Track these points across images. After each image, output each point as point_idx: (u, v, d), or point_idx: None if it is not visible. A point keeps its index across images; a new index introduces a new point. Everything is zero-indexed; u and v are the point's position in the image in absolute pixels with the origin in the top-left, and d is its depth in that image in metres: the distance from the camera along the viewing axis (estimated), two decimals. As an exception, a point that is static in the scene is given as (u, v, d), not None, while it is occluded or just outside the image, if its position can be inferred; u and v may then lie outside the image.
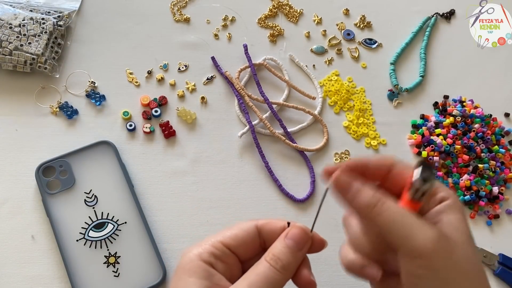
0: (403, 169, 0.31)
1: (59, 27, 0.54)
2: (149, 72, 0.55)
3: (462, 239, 0.29)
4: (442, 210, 0.30)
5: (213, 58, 0.57)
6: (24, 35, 0.52)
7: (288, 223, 0.32)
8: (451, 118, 0.55)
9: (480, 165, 0.53)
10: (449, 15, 0.65)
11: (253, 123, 0.53)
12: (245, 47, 0.57)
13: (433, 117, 0.57)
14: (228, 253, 0.31)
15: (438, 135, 0.55)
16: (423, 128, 0.55)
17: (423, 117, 0.57)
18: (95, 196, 0.47)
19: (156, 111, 0.53)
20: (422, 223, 0.28)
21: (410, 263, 0.28)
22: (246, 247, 0.31)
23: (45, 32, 0.52)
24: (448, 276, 0.28)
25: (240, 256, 0.32)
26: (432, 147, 0.54)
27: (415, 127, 0.57)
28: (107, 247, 0.45)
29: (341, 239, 0.34)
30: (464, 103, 0.58)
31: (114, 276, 0.44)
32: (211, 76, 0.56)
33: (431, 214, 0.30)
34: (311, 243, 0.32)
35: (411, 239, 0.28)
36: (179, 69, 0.56)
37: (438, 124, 0.56)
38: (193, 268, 0.29)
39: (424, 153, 0.54)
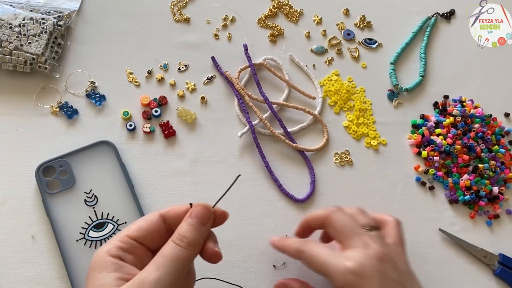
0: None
1: (59, 27, 0.54)
2: (149, 72, 0.55)
3: (373, 271, 0.36)
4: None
5: (213, 58, 0.57)
6: (24, 35, 0.52)
7: (191, 204, 0.34)
8: (451, 118, 0.55)
9: (480, 165, 0.53)
10: (449, 15, 0.65)
11: (253, 123, 0.53)
12: (245, 47, 0.57)
13: (433, 117, 0.57)
14: (135, 244, 0.33)
15: (438, 135, 0.55)
16: (423, 128, 0.55)
17: (423, 117, 0.57)
18: (95, 196, 0.47)
19: (156, 111, 0.53)
20: (335, 257, 0.37)
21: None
22: (153, 236, 0.33)
23: (45, 32, 0.52)
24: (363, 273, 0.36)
25: (148, 245, 0.33)
26: (432, 147, 0.54)
27: (415, 127, 0.57)
28: (107, 247, 0.45)
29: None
30: (464, 103, 0.58)
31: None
32: (211, 76, 0.56)
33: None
34: (214, 217, 0.35)
35: (327, 272, 0.37)
36: (179, 69, 0.56)
37: (438, 124, 0.56)
38: (102, 264, 0.31)
39: (424, 153, 0.54)
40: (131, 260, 0.32)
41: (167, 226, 0.34)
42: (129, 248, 0.32)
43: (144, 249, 0.33)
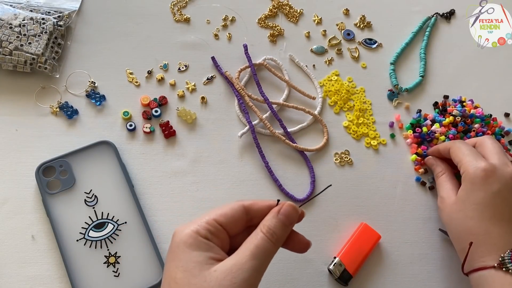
0: None
1: (59, 27, 0.54)
2: (149, 72, 0.55)
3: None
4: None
5: (213, 58, 0.57)
6: (24, 35, 0.52)
7: (278, 201, 0.37)
8: (451, 118, 0.55)
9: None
10: (449, 15, 0.65)
11: (253, 123, 0.53)
12: (245, 47, 0.57)
13: (430, 115, 0.57)
14: (220, 229, 0.35)
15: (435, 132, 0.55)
16: (424, 127, 0.55)
17: (419, 111, 0.57)
18: (95, 196, 0.47)
19: (156, 111, 0.53)
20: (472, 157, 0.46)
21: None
22: (235, 224, 0.36)
23: (45, 32, 0.52)
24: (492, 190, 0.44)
25: (229, 231, 0.36)
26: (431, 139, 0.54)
27: (414, 126, 0.56)
28: (107, 247, 0.45)
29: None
30: (464, 103, 0.58)
31: (114, 276, 0.44)
32: (211, 76, 0.56)
33: None
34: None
35: (461, 164, 0.47)
36: (179, 69, 0.56)
37: (434, 122, 0.56)
38: (195, 243, 0.34)
39: (413, 157, 0.54)
40: (216, 243, 0.35)
41: (249, 217, 0.37)
42: (216, 232, 0.35)
43: (226, 234, 0.36)
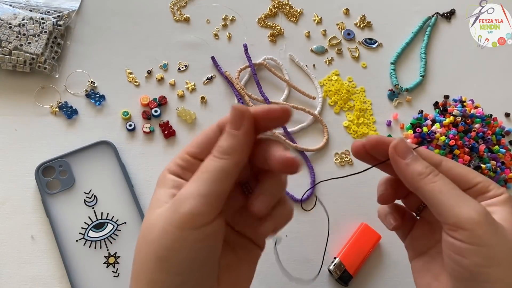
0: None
1: (58, 27, 0.54)
2: (149, 72, 0.55)
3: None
4: (494, 203, 0.30)
5: (213, 58, 0.57)
6: (24, 35, 0.52)
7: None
8: (451, 118, 0.55)
9: (482, 165, 0.53)
10: (449, 15, 0.65)
11: (253, 123, 0.53)
12: (245, 47, 0.57)
13: (430, 115, 0.57)
14: (194, 161, 0.30)
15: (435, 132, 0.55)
16: (424, 127, 0.55)
17: (421, 112, 0.57)
18: (95, 196, 0.47)
19: (156, 111, 0.53)
20: (470, 198, 0.29)
21: (453, 234, 0.28)
22: (211, 150, 0.30)
23: (45, 32, 0.52)
24: (493, 255, 0.27)
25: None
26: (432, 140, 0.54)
27: (414, 126, 0.56)
28: (107, 247, 0.45)
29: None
30: (464, 103, 0.58)
31: (114, 276, 0.44)
32: (211, 76, 0.56)
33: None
34: (254, 116, 0.30)
35: (457, 209, 0.28)
36: (179, 69, 0.56)
37: (435, 122, 0.56)
38: (162, 180, 0.30)
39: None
40: (190, 176, 0.30)
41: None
42: (188, 166, 0.30)
43: (199, 163, 0.30)
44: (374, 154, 0.34)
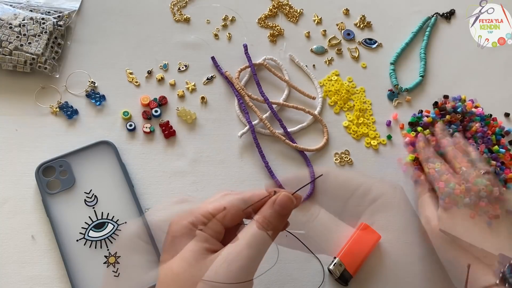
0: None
1: (59, 27, 0.54)
2: (149, 72, 0.55)
3: None
4: None
5: (213, 58, 0.57)
6: (24, 35, 0.52)
7: (274, 192, 0.38)
8: (448, 116, 0.55)
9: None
10: (449, 15, 0.65)
11: (253, 123, 0.53)
12: (245, 47, 0.57)
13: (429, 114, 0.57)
14: (216, 222, 0.36)
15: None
16: (419, 128, 0.55)
17: (421, 112, 0.57)
18: (95, 196, 0.47)
19: (156, 111, 0.53)
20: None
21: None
22: (233, 219, 0.36)
23: (45, 32, 0.52)
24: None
25: (225, 225, 0.36)
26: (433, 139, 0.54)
27: (412, 124, 0.56)
28: (107, 247, 0.45)
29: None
30: (464, 103, 0.58)
31: (114, 276, 0.44)
32: (211, 76, 0.56)
33: None
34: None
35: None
36: (179, 69, 0.56)
37: (433, 121, 0.56)
38: (191, 233, 0.35)
39: (411, 157, 0.54)
40: (211, 233, 0.35)
41: (247, 210, 0.37)
42: (210, 225, 0.35)
43: (221, 226, 0.36)
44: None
